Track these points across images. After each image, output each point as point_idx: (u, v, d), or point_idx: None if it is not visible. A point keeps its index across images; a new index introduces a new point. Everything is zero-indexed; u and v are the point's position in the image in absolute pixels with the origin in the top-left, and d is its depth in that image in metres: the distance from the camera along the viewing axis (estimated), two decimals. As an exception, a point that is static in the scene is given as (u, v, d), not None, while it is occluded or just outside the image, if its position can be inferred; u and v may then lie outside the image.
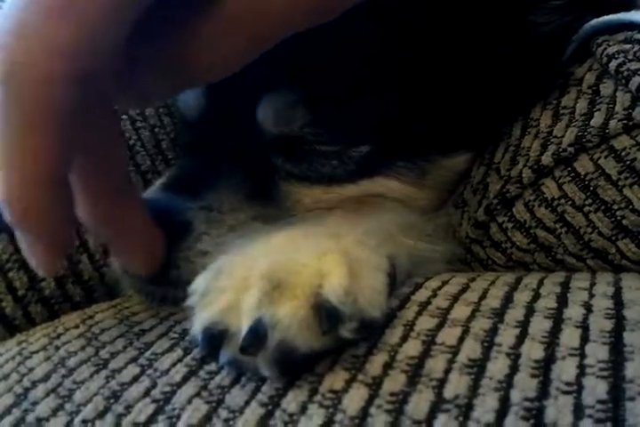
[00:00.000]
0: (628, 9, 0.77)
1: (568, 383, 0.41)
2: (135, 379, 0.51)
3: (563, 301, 0.53)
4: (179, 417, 0.45)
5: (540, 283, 0.58)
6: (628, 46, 0.69)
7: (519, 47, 0.77)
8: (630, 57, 0.68)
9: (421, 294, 0.56)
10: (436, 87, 0.76)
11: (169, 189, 0.73)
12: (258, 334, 0.44)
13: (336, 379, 0.45)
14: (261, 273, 0.48)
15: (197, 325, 0.48)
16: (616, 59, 0.69)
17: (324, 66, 0.73)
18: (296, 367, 0.46)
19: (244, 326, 0.45)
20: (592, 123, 0.67)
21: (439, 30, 0.76)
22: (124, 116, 0.89)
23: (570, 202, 0.66)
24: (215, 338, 0.47)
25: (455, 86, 0.76)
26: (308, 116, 0.73)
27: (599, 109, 0.68)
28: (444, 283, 0.60)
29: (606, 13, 0.75)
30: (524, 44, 0.77)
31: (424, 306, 0.54)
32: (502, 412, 0.40)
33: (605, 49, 0.71)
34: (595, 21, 0.75)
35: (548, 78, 0.76)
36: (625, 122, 0.64)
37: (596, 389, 0.41)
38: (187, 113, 0.83)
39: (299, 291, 0.47)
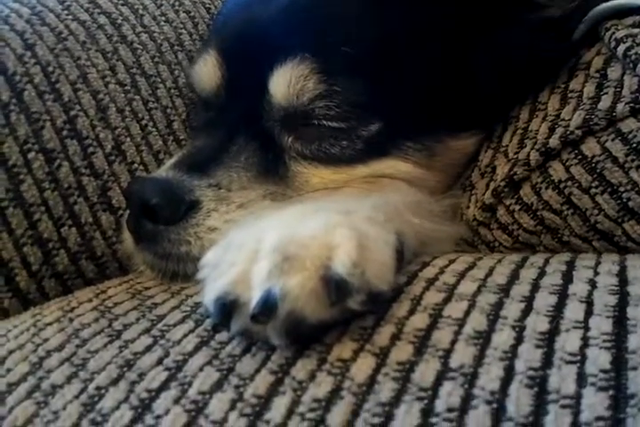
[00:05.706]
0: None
1: (572, 354, 0.42)
2: (148, 349, 0.52)
3: (568, 278, 0.54)
4: (190, 384, 0.46)
5: (546, 262, 0.59)
6: (637, 30, 0.70)
7: (526, 28, 0.77)
8: (638, 41, 0.68)
9: (429, 271, 0.58)
10: (448, 67, 0.77)
11: (179, 168, 0.74)
12: (268, 304, 0.45)
13: (344, 349, 0.46)
14: (271, 246, 0.49)
15: (209, 295, 0.49)
16: (624, 43, 0.69)
17: (338, 37, 0.74)
18: (305, 337, 0.47)
19: (254, 295, 0.46)
20: (599, 106, 0.67)
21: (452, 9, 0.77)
22: (136, 97, 0.90)
23: (576, 184, 0.67)
24: (227, 307, 0.48)
25: (465, 67, 0.77)
26: (319, 89, 0.73)
27: (606, 93, 0.68)
28: (451, 261, 0.61)
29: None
30: (531, 26, 0.77)
31: (431, 282, 0.55)
32: (507, 380, 0.41)
33: (614, 33, 0.72)
34: (603, 5, 0.75)
35: (555, 61, 0.76)
36: (632, 105, 0.65)
37: (598, 359, 0.42)
38: (200, 88, 0.84)
39: (308, 263, 0.47)
